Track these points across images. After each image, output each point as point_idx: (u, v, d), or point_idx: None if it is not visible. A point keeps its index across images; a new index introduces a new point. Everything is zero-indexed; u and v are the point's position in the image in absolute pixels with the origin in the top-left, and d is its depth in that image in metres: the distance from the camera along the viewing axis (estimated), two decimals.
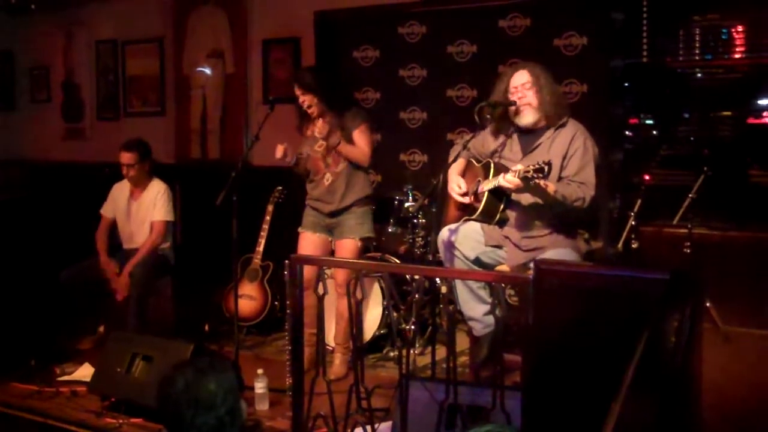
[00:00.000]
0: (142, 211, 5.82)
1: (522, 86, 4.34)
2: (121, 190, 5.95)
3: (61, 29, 8.66)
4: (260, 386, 4.54)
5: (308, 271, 4.40)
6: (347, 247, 5.08)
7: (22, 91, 9.12)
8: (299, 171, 5.25)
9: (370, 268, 5.10)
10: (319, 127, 5.12)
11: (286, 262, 3.94)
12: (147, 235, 5.80)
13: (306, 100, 5.03)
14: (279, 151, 5.04)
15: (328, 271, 5.11)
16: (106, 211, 5.97)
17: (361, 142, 5.06)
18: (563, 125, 4.34)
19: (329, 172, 5.09)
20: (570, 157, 4.27)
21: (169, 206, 5.81)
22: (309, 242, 5.18)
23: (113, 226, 5.97)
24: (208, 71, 7.70)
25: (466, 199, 4.49)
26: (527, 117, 4.36)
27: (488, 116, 4.51)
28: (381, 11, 6.73)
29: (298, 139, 5.29)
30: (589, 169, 4.25)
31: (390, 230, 5.91)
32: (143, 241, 5.78)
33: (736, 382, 3.72)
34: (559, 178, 4.24)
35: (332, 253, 5.25)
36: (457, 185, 4.52)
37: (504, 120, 4.46)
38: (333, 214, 5.10)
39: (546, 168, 3.87)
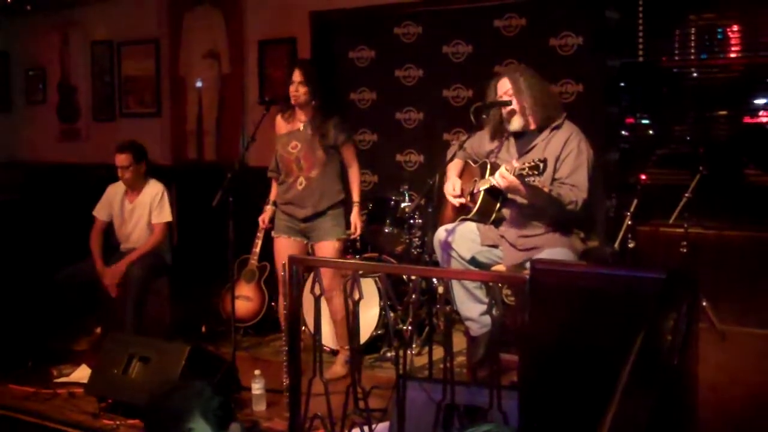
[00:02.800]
0: (138, 212, 5.80)
1: (505, 94, 4.36)
2: (115, 191, 5.90)
3: (56, 30, 8.66)
4: (257, 387, 4.54)
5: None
6: (327, 250, 5.05)
7: (17, 92, 9.11)
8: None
9: (367, 268, 5.10)
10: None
11: (283, 263, 3.94)
12: (143, 236, 5.78)
13: (300, 89, 4.97)
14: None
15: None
16: (100, 213, 5.92)
17: (351, 161, 5.13)
18: (558, 127, 4.33)
19: (303, 177, 5.02)
20: (563, 159, 4.26)
21: (168, 207, 5.79)
22: (285, 247, 5.07)
23: (108, 228, 5.94)
24: (199, 84, 7.70)
25: (461, 200, 4.49)
26: (514, 123, 4.38)
27: (484, 116, 4.52)
28: (377, 11, 6.73)
29: None
30: (581, 171, 4.24)
31: (386, 231, 5.90)
32: (140, 242, 5.77)
33: (732, 381, 3.73)
34: (552, 180, 4.24)
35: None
36: (452, 187, 4.52)
37: (500, 122, 4.46)
38: (307, 219, 5.06)
39: (541, 165, 3.88)
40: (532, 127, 4.37)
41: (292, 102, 5.03)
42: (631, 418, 2.08)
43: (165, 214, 5.76)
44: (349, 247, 5.74)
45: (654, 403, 2.16)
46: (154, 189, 5.80)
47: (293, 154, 5.02)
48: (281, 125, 5.13)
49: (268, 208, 5.26)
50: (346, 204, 5.16)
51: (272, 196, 5.25)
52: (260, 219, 5.34)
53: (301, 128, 5.05)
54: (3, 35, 8.93)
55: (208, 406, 2.36)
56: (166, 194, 5.80)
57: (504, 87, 4.37)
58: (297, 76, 4.97)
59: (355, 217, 5.14)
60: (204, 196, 4.96)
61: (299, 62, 5.21)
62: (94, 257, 5.78)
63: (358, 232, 5.18)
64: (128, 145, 5.79)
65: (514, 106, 4.33)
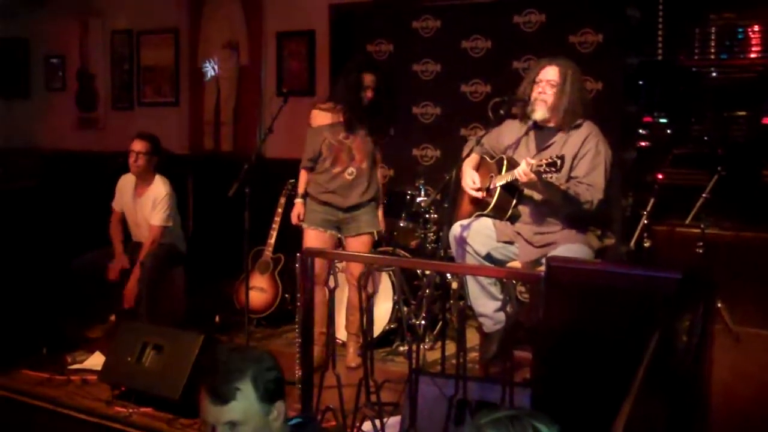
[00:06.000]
0: (143, 210, 5.81)
1: (547, 82, 4.29)
2: (126, 183, 5.94)
3: (76, 18, 8.68)
4: None
5: (318, 264, 4.39)
6: (365, 242, 5.09)
7: (36, 79, 9.14)
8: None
9: (382, 262, 5.10)
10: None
11: (298, 255, 3.94)
12: (147, 232, 5.81)
13: (370, 94, 4.96)
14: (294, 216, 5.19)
15: (339, 264, 5.11)
16: (116, 204, 5.99)
17: (378, 160, 5.17)
18: (578, 126, 4.31)
19: (353, 167, 5.01)
20: (581, 158, 4.25)
21: (167, 212, 5.75)
22: (317, 240, 5.06)
23: (124, 218, 5.98)
24: (211, 71, 7.72)
25: (480, 194, 4.48)
26: (538, 112, 4.33)
27: (502, 112, 4.50)
28: (396, 5, 6.73)
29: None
30: (598, 171, 4.22)
31: (402, 225, 5.90)
32: (145, 237, 5.81)
33: (746, 383, 3.72)
34: (569, 179, 4.23)
35: (341, 248, 5.25)
36: (471, 180, 4.51)
37: (526, 107, 4.42)
38: (349, 209, 5.06)
39: (559, 162, 3.86)
40: (553, 124, 4.35)
41: (364, 103, 4.97)
42: (645, 418, 2.08)
43: (158, 218, 5.72)
44: None
45: (668, 404, 2.16)
46: (159, 190, 5.77)
47: (345, 144, 5.00)
48: (323, 116, 5.06)
49: (300, 202, 5.17)
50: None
51: (302, 188, 5.19)
52: (294, 215, 5.18)
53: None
54: (23, 22, 8.96)
55: (261, 375, 2.39)
56: (167, 198, 5.75)
57: (550, 75, 4.30)
58: (370, 81, 4.95)
59: (381, 214, 5.21)
60: (220, 187, 4.97)
61: (374, 67, 5.11)
62: (114, 244, 5.86)
63: (383, 228, 5.26)
64: (149, 135, 5.85)
65: (546, 99, 4.29)
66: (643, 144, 6.05)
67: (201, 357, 4.35)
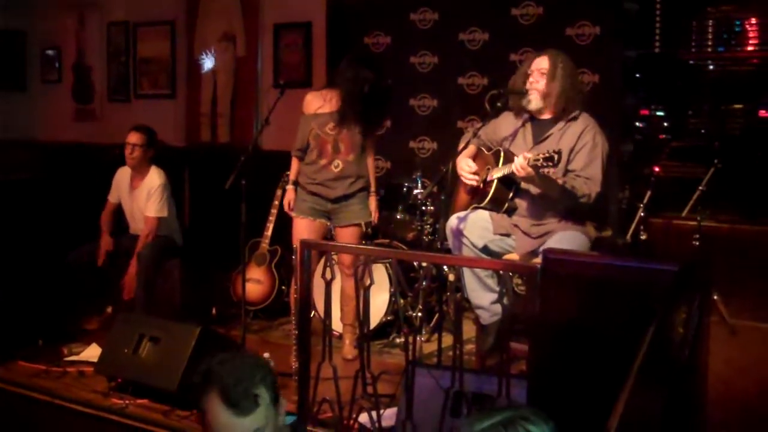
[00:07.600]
0: (138, 201, 5.82)
1: (538, 71, 4.30)
2: (123, 175, 5.95)
3: (73, 10, 8.67)
4: None
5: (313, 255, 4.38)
6: (354, 232, 5.06)
7: (33, 71, 9.12)
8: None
9: (379, 254, 5.10)
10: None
11: (295, 246, 3.94)
12: (143, 224, 5.82)
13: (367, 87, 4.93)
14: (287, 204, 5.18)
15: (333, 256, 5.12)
16: (111, 195, 6.00)
17: (371, 149, 5.14)
18: (575, 118, 4.31)
19: (339, 159, 4.99)
20: (578, 151, 4.24)
21: (162, 203, 5.74)
22: (306, 229, 5.03)
23: (118, 209, 5.98)
24: (208, 63, 7.71)
25: (476, 179, 4.48)
26: (533, 102, 4.34)
27: (499, 104, 4.50)
28: None
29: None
30: (596, 164, 4.22)
31: (398, 217, 5.90)
32: (141, 230, 5.81)
33: (742, 376, 3.72)
34: (566, 172, 4.23)
35: (331, 238, 5.25)
36: (467, 165, 4.51)
37: (521, 99, 4.43)
38: (337, 200, 5.05)
39: (556, 157, 3.87)
40: (548, 115, 4.35)
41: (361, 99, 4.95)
42: (641, 410, 2.09)
43: (155, 209, 5.73)
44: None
45: (665, 396, 2.16)
46: (154, 181, 5.77)
47: (331, 135, 4.96)
48: (314, 103, 5.02)
49: (291, 188, 5.16)
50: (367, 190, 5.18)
51: (293, 175, 5.17)
52: (285, 202, 5.19)
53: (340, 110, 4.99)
54: (20, 14, 8.93)
55: (267, 378, 2.40)
56: (161, 189, 5.75)
57: (541, 64, 4.31)
58: (369, 79, 4.91)
59: (374, 205, 5.17)
60: (217, 179, 4.96)
61: (373, 66, 5.06)
62: (102, 231, 5.88)
63: (376, 218, 5.21)
64: (145, 127, 5.85)
65: (538, 88, 4.29)
66: (639, 136, 6.04)
67: (197, 352, 4.33)
